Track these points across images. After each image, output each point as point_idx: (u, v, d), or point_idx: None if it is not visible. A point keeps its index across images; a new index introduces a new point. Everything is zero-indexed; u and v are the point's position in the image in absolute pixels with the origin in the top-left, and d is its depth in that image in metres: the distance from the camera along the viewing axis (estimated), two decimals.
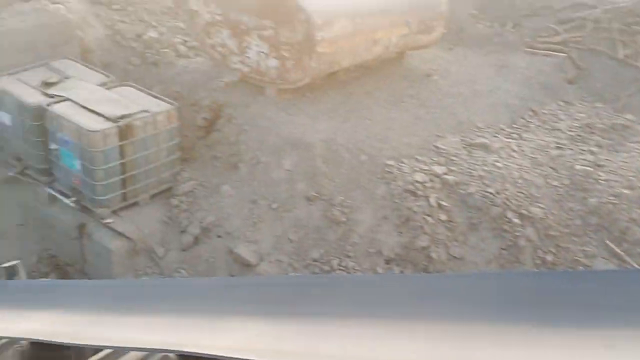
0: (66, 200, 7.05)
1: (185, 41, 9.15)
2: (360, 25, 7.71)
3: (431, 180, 6.84)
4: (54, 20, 8.11)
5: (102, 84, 7.51)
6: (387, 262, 6.53)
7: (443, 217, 6.62)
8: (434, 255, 6.46)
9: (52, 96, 7.09)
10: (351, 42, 7.72)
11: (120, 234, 6.90)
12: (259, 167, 7.23)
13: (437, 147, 7.36)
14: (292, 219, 6.82)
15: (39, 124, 6.96)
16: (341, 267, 6.48)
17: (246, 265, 6.70)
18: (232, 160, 7.47)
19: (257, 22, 7.47)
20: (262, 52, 7.62)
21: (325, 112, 7.75)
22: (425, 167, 6.99)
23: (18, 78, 7.42)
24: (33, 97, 7.07)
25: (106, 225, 6.89)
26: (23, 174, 7.50)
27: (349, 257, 6.52)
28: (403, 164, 6.99)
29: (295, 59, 7.42)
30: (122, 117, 6.77)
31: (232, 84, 8.09)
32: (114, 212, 6.97)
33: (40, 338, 1.98)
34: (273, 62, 7.59)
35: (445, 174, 6.95)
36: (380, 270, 6.45)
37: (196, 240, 7.05)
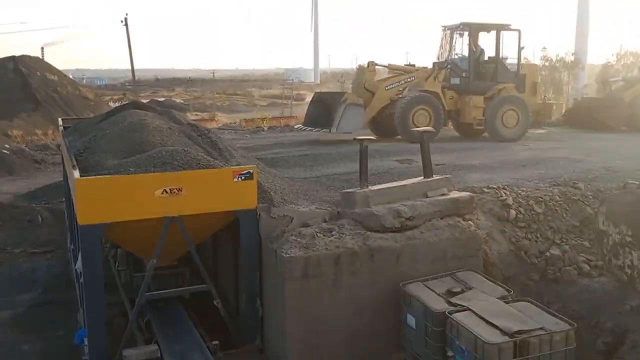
0: None
1: (590, 260, 8.93)
2: None
3: None
4: (463, 235, 8.94)
5: (502, 298, 7.75)
6: None
7: None
8: None
9: (454, 305, 7.61)
10: None
11: None
12: None
13: None
14: None
15: (440, 329, 7.45)
16: None
17: None
18: None
19: None
20: None
21: None
22: None
23: (427, 285, 8.25)
24: (438, 304, 7.68)
25: None
26: None
27: None
28: None
29: None
30: (519, 332, 6.79)
31: (638, 308, 7.45)
32: None
33: None
34: None
35: None
36: None
37: None
